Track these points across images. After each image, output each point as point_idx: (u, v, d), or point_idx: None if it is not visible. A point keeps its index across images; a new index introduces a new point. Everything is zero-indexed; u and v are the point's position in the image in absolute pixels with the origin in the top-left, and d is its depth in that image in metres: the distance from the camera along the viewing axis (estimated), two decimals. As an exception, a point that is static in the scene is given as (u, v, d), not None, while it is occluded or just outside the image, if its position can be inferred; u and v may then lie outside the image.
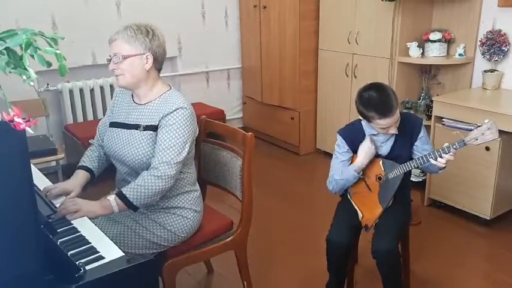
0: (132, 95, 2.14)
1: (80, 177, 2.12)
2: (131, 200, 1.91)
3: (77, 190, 2.04)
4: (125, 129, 2.08)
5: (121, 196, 1.91)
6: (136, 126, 2.05)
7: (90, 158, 2.21)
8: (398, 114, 2.20)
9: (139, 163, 2.02)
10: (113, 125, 2.15)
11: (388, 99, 2.16)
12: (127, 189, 1.93)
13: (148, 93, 2.07)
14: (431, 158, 2.18)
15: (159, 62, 2.05)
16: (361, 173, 2.31)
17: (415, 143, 2.32)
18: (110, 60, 1.99)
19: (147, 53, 1.98)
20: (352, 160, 2.36)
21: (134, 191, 1.91)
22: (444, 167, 2.21)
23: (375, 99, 2.17)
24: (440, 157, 2.16)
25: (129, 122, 2.09)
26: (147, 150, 2.01)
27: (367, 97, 2.20)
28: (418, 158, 2.23)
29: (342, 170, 2.34)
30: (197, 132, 2.13)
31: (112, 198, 1.92)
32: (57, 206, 1.87)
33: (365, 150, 2.28)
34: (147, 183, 1.92)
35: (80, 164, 2.19)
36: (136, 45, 1.96)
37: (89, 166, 2.17)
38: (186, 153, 1.99)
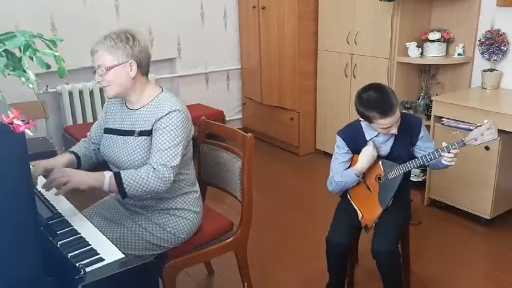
0: (124, 101, 2.13)
1: (63, 156, 2.09)
2: (125, 185, 1.88)
3: (59, 166, 1.99)
4: (120, 136, 2.08)
5: (117, 177, 1.89)
6: (131, 132, 2.05)
7: (77, 147, 2.20)
8: (399, 113, 2.20)
9: (136, 168, 2.01)
10: (108, 131, 2.14)
11: (388, 98, 2.17)
12: (126, 174, 1.90)
13: (139, 99, 2.06)
14: (431, 157, 2.18)
15: (143, 67, 2.02)
16: (361, 176, 2.31)
17: (416, 143, 2.32)
18: (94, 72, 1.98)
19: (130, 60, 1.95)
20: (352, 161, 2.36)
21: (132, 179, 1.89)
22: (452, 164, 2.20)
23: (375, 99, 2.17)
24: (440, 156, 2.16)
25: (123, 128, 2.08)
26: (142, 155, 2.00)
27: (366, 98, 2.20)
28: (417, 158, 2.23)
29: (342, 172, 2.34)
30: (192, 133, 2.12)
31: (108, 175, 1.89)
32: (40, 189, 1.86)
33: (367, 155, 2.27)
34: (147, 178, 1.90)
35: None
36: (118, 54, 1.93)
37: (75, 151, 2.15)
38: (180, 157, 1.98)
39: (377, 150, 2.31)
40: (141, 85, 2.04)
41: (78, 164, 2.13)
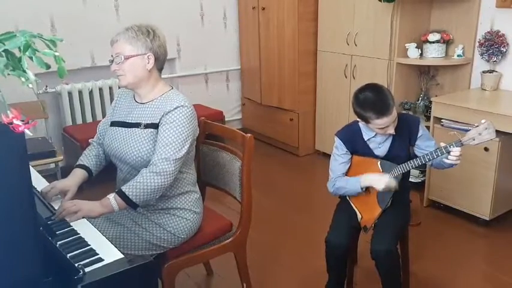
0: (133, 95, 2.15)
1: (76, 176, 2.11)
2: (130, 197, 1.91)
3: (74, 189, 2.03)
4: (126, 128, 2.09)
5: (120, 194, 1.91)
6: (137, 125, 2.06)
7: (87, 157, 2.20)
8: (395, 113, 2.20)
9: (141, 161, 2.02)
10: (114, 124, 2.15)
11: (385, 98, 2.17)
12: (126, 186, 1.93)
13: (149, 93, 2.08)
14: (429, 158, 2.19)
15: (160, 62, 2.06)
16: (365, 189, 2.31)
17: (416, 143, 2.32)
18: (111, 61, 2.01)
19: (149, 53, 1.99)
20: (351, 162, 2.36)
21: (133, 188, 1.91)
22: (457, 163, 2.18)
23: (371, 100, 2.18)
24: (438, 156, 2.16)
25: (130, 121, 2.09)
26: (148, 148, 2.01)
27: (363, 98, 2.20)
28: (416, 158, 2.23)
29: (347, 179, 2.34)
30: (197, 132, 2.13)
31: (112, 196, 1.92)
32: (56, 207, 1.87)
33: (379, 180, 2.23)
34: (146, 180, 1.92)
35: (77, 162, 2.19)
36: (138, 46, 1.98)
37: (86, 164, 2.17)
38: (186, 151, 2.00)
39: (375, 150, 2.32)
40: (154, 80, 2.07)
41: (89, 176, 2.15)
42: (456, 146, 2.13)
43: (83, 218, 1.82)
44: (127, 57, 1.97)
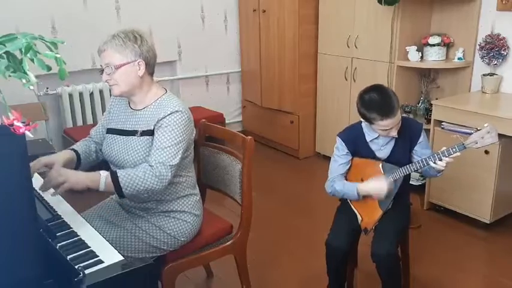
0: (128, 101, 2.13)
1: (63, 152, 2.09)
2: (122, 185, 1.88)
3: (60, 162, 1.99)
4: (123, 136, 2.08)
5: (114, 177, 1.88)
6: (133, 132, 2.05)
7: (77, 145, 2.19)
8: (399, 116, 2.21)
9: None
10: (110, 131, 2.15)
11: (390, 100, 2.17)
12: (123, 173, 1.90)
13: (144, 99, 2.07)
14: (431, 161, 2.19)
15: (150, 66, 2.04)
16: (362, 196, 2.31)
17: (415, 148, 2.33)
18: (102, 71, 1.98)
19: (139, 60, 1.96)
20: (352, 164, 2.36)
21: (129, 179, 1.89)
22: (443, 170, 2.21)
23: (376, 101, 2.18)
24: (440, 160, 2.16)
25: (126, 128, 2.08)
26: (144, 155, 2.00)
27: (368, 99, 2.20)
28: (417, 161, 2.23)
29: (345, 183, 2.34)
30: (194, 135, 2.13)
31: (104, 174, 1.89)
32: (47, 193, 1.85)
33: (376, 187, 2.23)
34: (145, 177, 1.90)
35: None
36: (126, 53, 1.94)
37: (75, 148, 2.15)
38: (180, 156, 1.99)
39: (376, 152, 2.32)
40: (147, 85, 2.05)
41: (78, 161, 2.13)
42: (459, 149, 2.13)
43: (69, 189, 1.80)
44: (117, 67, 1.94)
